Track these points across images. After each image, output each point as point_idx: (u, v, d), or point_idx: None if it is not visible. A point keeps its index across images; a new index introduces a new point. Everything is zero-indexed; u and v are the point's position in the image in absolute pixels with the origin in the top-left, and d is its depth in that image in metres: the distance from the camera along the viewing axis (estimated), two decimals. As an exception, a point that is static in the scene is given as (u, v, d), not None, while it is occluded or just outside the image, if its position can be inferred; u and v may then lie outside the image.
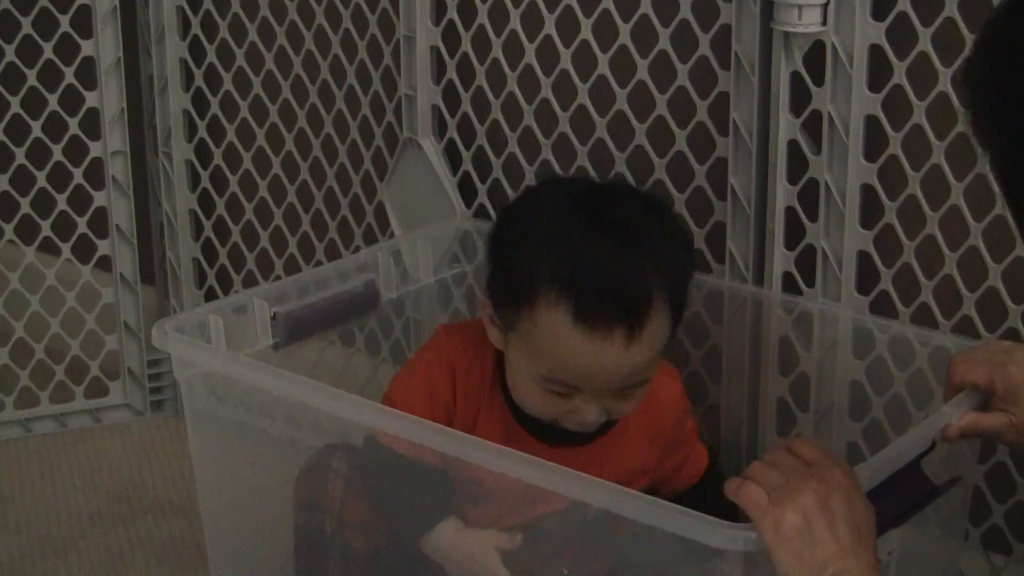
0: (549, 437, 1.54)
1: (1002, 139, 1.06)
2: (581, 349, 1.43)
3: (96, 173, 2.30)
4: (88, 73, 2.26)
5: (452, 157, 2.01)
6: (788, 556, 1.23)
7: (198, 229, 2.35)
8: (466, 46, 1.95)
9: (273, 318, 1.71)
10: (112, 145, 2.28)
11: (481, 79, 1.95)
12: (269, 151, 2.22)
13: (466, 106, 1.97)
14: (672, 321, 1.47)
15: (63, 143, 2.30)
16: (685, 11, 1.75)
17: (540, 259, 1.45)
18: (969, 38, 1.55)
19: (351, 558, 1.59)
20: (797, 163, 1.71)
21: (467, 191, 2.01)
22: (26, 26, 2.25)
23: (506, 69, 1.92)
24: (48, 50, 2.26)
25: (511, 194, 1.96)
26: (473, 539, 1.51)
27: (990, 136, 1.07)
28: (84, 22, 2.25)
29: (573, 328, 1.43)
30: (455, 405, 1.57)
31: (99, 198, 2.31)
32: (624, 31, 1.80)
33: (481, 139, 1.98)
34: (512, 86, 1.92)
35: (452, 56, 1.97)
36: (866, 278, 1.70)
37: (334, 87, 2.11)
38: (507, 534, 1.49)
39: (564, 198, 1.52)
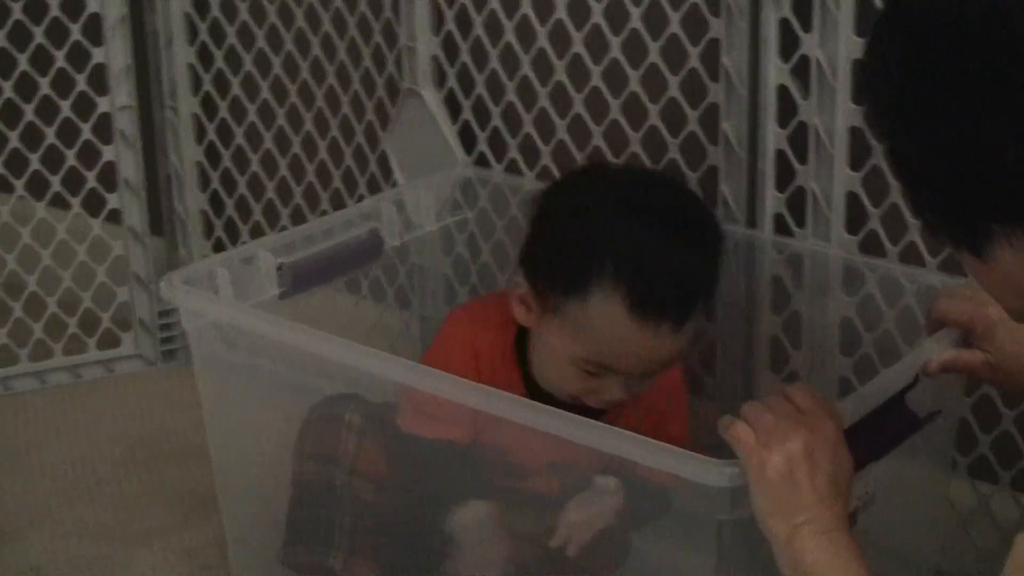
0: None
1: (895, 130, 1.09)
2: (630, 337, 1.50)
3: (104, 128, 2.33)
4: (94, 29, 2.29)
5: (452, 106, 2.05)
6: (766, 497, 1.27)
7: (205, 181, 2.39)
8: (464, -4, 1.99)
9: (279, 269, 1.76)
10: (119, 100, 2.31)
11: (479, 30, 1.98)
12: (274, 103, 2.25)
13: (465, 56, 2.01)
14: (706, 313, 1.55)
15: (71, 99, 2.33)
16: (676, -40, 1.79)
17: (599, 249, 1.50)
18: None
19: (360, 511, 1.63)
20: (787, 107, 1.74)
21: (467, 139, 2.04)
22: (32, -16, 2.29)
23: (503, 20, 1.95)
24: (55, 7, 2.29)
25: (510, 142, 2.00)
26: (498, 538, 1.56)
27: (884, 128, 1.10)
28: (89, -20, 2.28)
29: (626, 318, 1.49)
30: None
31: (107, 152, 2.34)
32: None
33: (480, 88, 2.01)
34: (510, 36, 1.95)
35: (451, 7, 2.00)
36: (855, 218, 1.74)
37: (336, 39, 2.15)
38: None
39: (617, 188, 1.57)
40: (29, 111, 2.33)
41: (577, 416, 1.40)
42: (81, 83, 2.32)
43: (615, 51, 1.86)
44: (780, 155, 1.76)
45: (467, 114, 2.03)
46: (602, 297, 1.50)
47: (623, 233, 1.51)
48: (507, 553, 1.55)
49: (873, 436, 1.43)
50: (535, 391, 1.61)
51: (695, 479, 1.30)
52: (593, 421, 1.39)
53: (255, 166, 2.31)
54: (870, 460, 1.43)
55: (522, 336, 1.63)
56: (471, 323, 1.65)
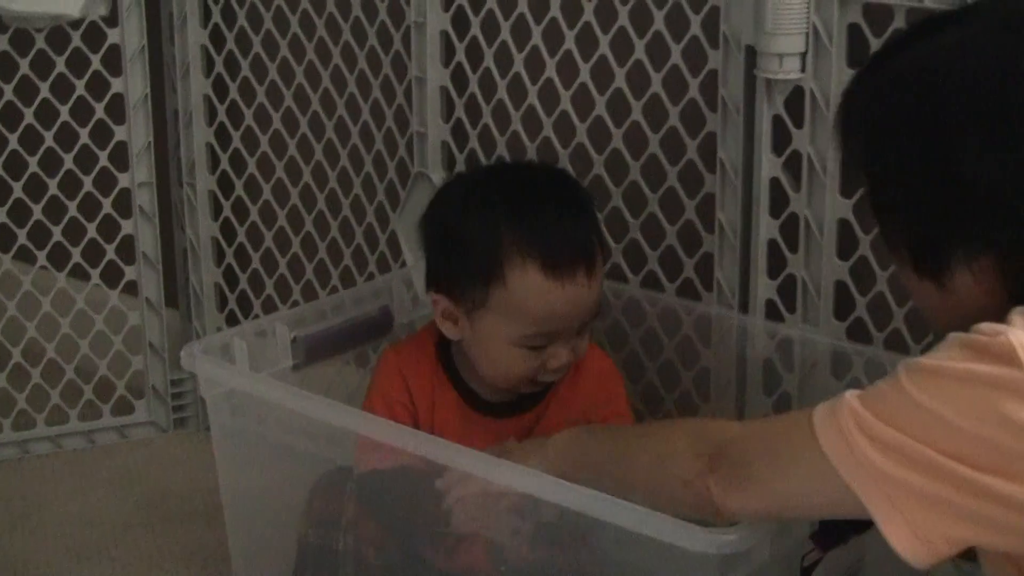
0: (497, 413, 1.77)
1: (870, 170, 1.29)
2: (555, 297, 1.66)
3: (124, 203, 2.42)
4: (117, 108, 2.38)
5: (460, 189, 2.14)
6: None
7: (220, 255, 2.47)
8: (473, 87, 2.07)
9: (293, 341, 1.84)
10: (139, 176, 2.40)
11: (487, 117, 2.07)
12: (288, 183, 2.34)
13: (473, 143, 2.10)
14: (604, 259, 1.73)
15: (93, 174, 2.41)
16: (675, 57, 1.88)
17: (499, 235, 1.67)
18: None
19: (361, 572, 1.71)
20: (779, 199, 1.83)
21: (474, 222, 2.13)
22: (59, 64, 2.37)
23: (510, 109, 2.04)
24: (80, 87, 2.38)
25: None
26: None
27: (861, 169, 1.30)
28: (114, 60, 2.37)
29: (545, 282, 1.66)
30: (412, 404, 1.77)
31: (127, 226, 2.42)
32: (619, 75, 1.93)
33: (487, 173, 2.10)
34: (516, 125, 2.04)
35: (461, 96, 2.09)
36: (843, 305, 1.82)
37: (349, 123, 2.24)
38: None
39: (490, 182, 1.76)
40: (53, 185, 2.41)
41: (549, 478, 1.48)
42: (103, 159, 2.41)
43: (617, 141, 1.95)
44: (772, 244, 1.85)
45: (475, 197, 2.12)
46: (519, 274, 1.66)
47: (514, 215, 1.68)
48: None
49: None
50: (470, 399, 1.78)
51: (685, 546, 1.37)
52: (563, 483, 1.47)
53: (268, 242, 2.40)
54: (852, 533, 1.51)
55: (446, 355, 1.79)
56: (396, 352, 1.81)
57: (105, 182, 2.42)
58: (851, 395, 1.23)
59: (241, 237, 2.43)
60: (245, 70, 2.35)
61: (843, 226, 1.79)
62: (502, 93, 2.05)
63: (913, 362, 1.21)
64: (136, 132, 2.39)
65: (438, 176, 2.11)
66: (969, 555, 1.76)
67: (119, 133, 2.39)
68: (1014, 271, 1.22)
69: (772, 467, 1.29)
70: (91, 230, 2.44)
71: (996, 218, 1.21)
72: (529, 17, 1.99)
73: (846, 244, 1.79)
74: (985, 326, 1.18)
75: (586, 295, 1.68)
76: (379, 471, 1.68)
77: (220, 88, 2.39)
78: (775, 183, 1.82)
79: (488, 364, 1.73)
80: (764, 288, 1.86)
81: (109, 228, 2.44)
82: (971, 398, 1.16)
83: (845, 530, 1.51)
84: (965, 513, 1.17)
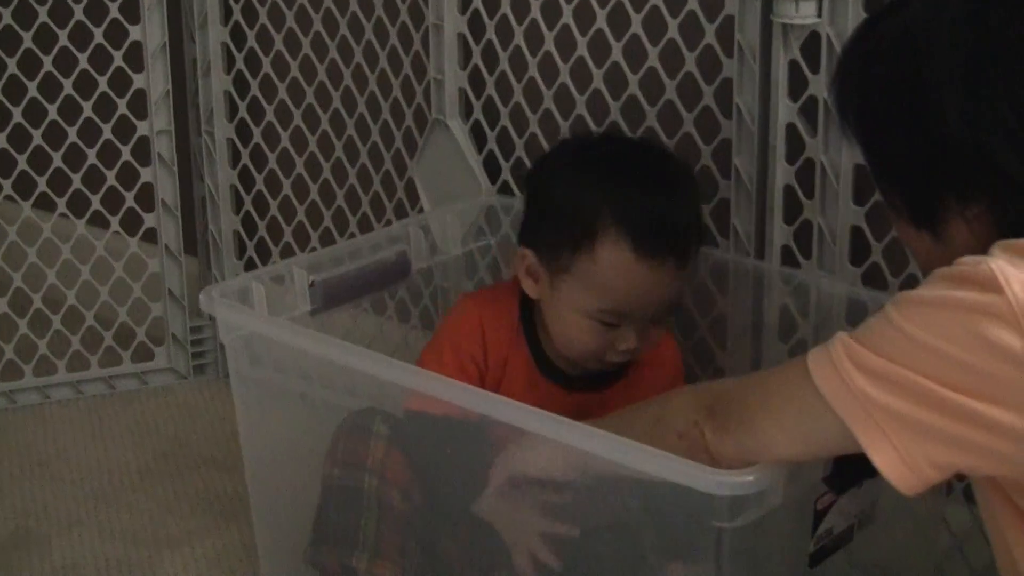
0: (566, 383, 1.74)
1: (866, 127, 1.35)
2: (639, 279, 1.64)
3: (143, 151, 2.43)
4: (136, 57, 2.39)
5: (477, 137, 2.14)
6: None
7: (238, 203, 2.48)
8: (490, 34, 2.07)
9: (311, 285, 1.84)
10: (158, 124, 2.41)
11: (505, 64, 2.07)
12: (306, 130, 2.35)
13: (491, 89, 2.10)
14: (697, 251, 1.70)
15: (112, 122, 2.43)
16: (692, 3, 1.88)
17: (599, 206, 1.65)
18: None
19: (386, 516, 1.71)
20: (795, 145, 1.83)
21: (492, 169, 2.13)
22: (78, 13, 2.38)
23: (528, 56, 2.04)
24: (98, 35, 2.39)
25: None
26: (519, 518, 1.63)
27: (857, 128, 1.36)
28: (132, 9, 2.38)
29: (634, 260, 1.63)
30: (484, 358, 1.74)
31: (146, 174, 2.44)
32: (636, 21, 1.92)
33: (505, 120, 2.10)
34: (533, 71, 2.04)
35: (477, 43, 2.09)
36: (859, 251, 1.82)
37: (367, 71, 2.24)
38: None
39: (601, 152, 1.73)
40: (72, 133, 2.42)
41: (575, 423, 1.48)
42: (122, 107, 2.42)
43: (633, 87, 1.95)
44: (788, 189, 1.85)
45: (491, 144, 2.12)
46: (610, 247, 1.64)
47: (617, 188, 1.66)
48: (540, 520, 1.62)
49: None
50: (543, 364, 1.75)
51: (695, 487, 1.38)
52: (591, 428, 1.47)
53: (287, 190, 2.40)
54: (865, 476, 1.51)
55: (527, 315, 1.76)
56: (477, 304, 1.78)
57: (124, 130, 2.43)
58: (843, 333, 1.27)
59: (259, 185, 2.44)
60: (263, 18, 2.35)
61: (859, 171, 1.78)
62: (519, 40, 2.04)
63: (900, 295, 1.25)
64: (155, 80, 2.40)
65: (455, 123, 2.12)
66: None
67: (138, 81, 2.40)
68: (1006, 217, 1.27)
69: (766, 409, 1.33)
70: (110, 178, 2.45)
71: (982, 166, 1.27)
72: (546, -37, 1.99)
73: (862, 189, 1.79)
74: (967, 258, 1.22)
75: (670, 282, 1.66)
76: (428, 414, 1.67)
77: (238, 36, 2.39)
78: (791, 129, 1.82)
79: (559, 329, 1.71)
80: (780, 234, 1.86)
81: (128, 176, 2.45)
82: (954, 324, 1.20)
83: (859, 473, 1.51)
84: (950, 437, 1.21)
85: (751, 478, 1.38)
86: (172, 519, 2.12)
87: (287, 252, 2.43)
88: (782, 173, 1.84)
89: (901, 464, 1.23)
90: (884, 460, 1.24)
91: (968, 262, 1.22)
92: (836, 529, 1.55)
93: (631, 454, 1.43)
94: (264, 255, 2.48)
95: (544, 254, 1.70)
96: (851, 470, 1.50)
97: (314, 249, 2.37)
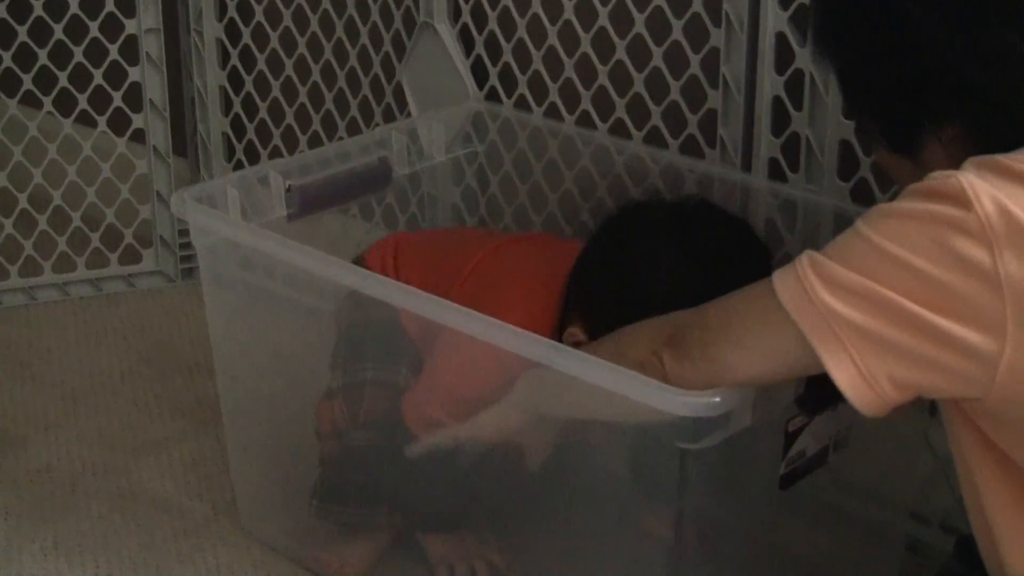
0: None
1: (839, 51, 1.33)
2: None
3: (131, 49, 2.39)
4: (124, -47, 2.35)
5: (466, 41, 2.09)
6: None
7: (227, 105, 2.44)
8: (478, -66, 2.03)
9: (288, 190, 1.81)
10: (146, 23, 2.37)
11: (494, -34, 2.03)
12: (295, 31, 2.30)
13: (479, -8, 2.06)
14: None
15: (100, 20, 2.39)
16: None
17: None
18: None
19: (370, 455, 1.71)
20: (784, 54, 1.78)
21: (479, 74, 2.09)
22: (65, -94, 2.34)
23: (516, -42, 2.00)
24: (85, -71, 2.35)
25: (520, 78, 2.04)
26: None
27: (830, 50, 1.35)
28: (119, -98, 2.33)
29: None
30: None
31: (134, 73, 2.40)
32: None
33: (493, 24, 2.06)
34: (522, -26, 2.00)
35: (467, -56, 2.05)
36: (847, 165, 1.78)
37: (356, -29, 2.20)
38: None
39: (675, 237, 1.58)
40: (58, 30, 2.38)
41: (556, 344, 1.46)
42: (109, 4, 2.38)
43: (620, 53, 1.91)
44: (776, 101, 1.80)
45: (479, 49, 2.08)
46: None
47: (697, 286, 1.48)
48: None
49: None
50: None
51: (659, 407, 1.35)
52: (569, 349, 1.45)
53: (276, 92, 2.37)
54: (839, 397, 1.48)
55: None
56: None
57: (112, 28, 2.39)
58: (810, 250, 1.25)
59: (248, 87, 2.40)
60: (253, -85, 2.30)
61: (849, 84, 1.74)
62: (508, -58, 2.00)
63: (871, 209, 1.24)
64: (143, -23, 2.36)
65: (443, 26, 2.07)
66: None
67: (126, -23, 2.36)
68: (981, 139, 1.25)
69: (727, 330, 1.30)
70: (97, 76, 2.41)
71: (956, 88, 1.26)
72: None
73: (852, 103, 1.74)
74: (937, 172, 1.20)
75: None
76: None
77: (228, -67, 2.35)
78: (780, 37, 1.77)
79: None
80: (768, 146, 1.82)
81: (116, 75, 2.41)
82: (922, 236, 1.18)
83: (832, 394, 1.48)
84: (913, 354, 1.19)
85: (717, 399, 1.35)
86: (151, 424, 2.10)
87: (276, 155, 2.40)
88: (771, 83, 1.79)
89: (861, 381, 1.21)
90: (843, 375, 1.22)
91: (938, 176, 1.20)
92: (809, 451, 1.52)
93: (595, 371, 1.40)
94: (253, 158, 2.44)
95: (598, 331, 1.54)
96: (824, 392, 1.46)
97: (303, 152, 2.33)
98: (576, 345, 1.57)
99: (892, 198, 1.71)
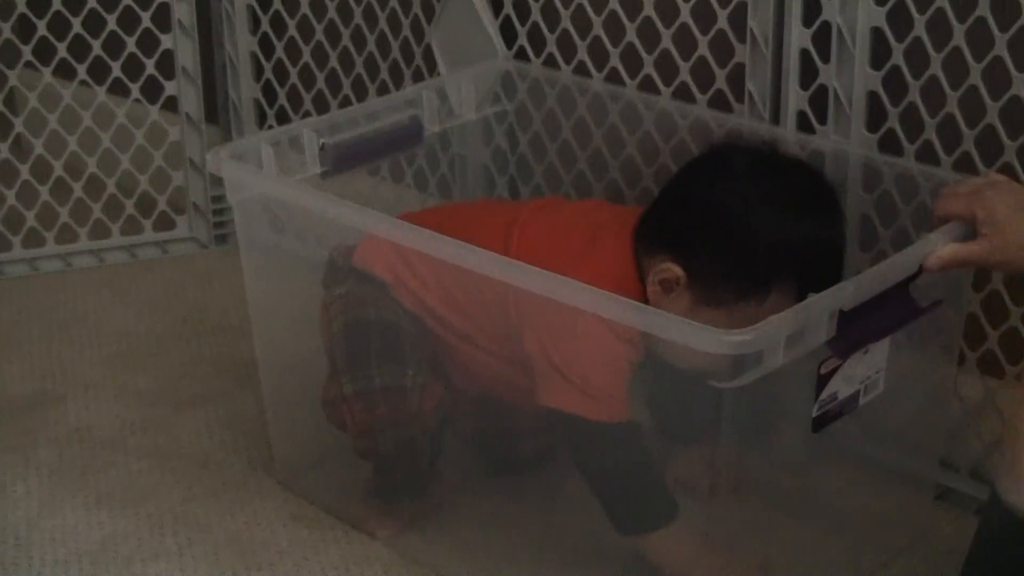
0: None
1: None
2: None
3: (163, 17, 2.41)
4: (155, -79, 2.37)
5: (494, 1, 2.11)
6: None
7: (259, 71, 2.47)
8: None
9: (321, 148, 1.83)
10: (177, -10, 2.40)
11: (522, -73, 2.05)
12: (325, -4, 2.33)
13: (508, -47, 2.08)
14: None
15: (132, -12, 2.41)
16: None
17: (778, 253, 1.55)
18: None
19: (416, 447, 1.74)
20: (811, 7, 1.79)
21: (508, 34, 2.11)
22: None
23: (545, -83, 2.02)
24: (118, -101, 2.37)
25: (549, 37, 2.05)
26: None
27: None
28: None
29: (796, 300, 1.49)
30: None
31: (166, 41, 2.42)
32: None
33: (521, -16, 2.08)
34: (549, -65, 2.02)
35: (495, -95, 2.07)
36: (875, 116, 1.79)
37: (386, -65, 2.22)
38: None
39: (767, 180, 1.60)
40: (91, -1, 2.41)
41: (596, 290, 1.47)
42: (141, -28, 2.40)
43: (648, 9, 1.93)
44: (804, 53, 1.81)
45: (508, 8, 2.09)
46: (779, 296, 1.54)
47: (794, 233, 1.56)
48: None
49: (873, 319, 1.49)
50: None
51: (695, 346, 1.37)
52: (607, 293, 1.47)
53: (307, 57, 2.38)
54: (870, 340, 1.50)
55: None
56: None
57: (144, -5, 2.42)
58: None
59: (279, 52, 2.42)
60: None
61: (876, 34, 1.75)
62: (536, -99, 2.02)
63: None
64: (174, -56, 2.38)
65: (473, -12, 2.10)
66: (997, 372, 1.74)
67: (157, -55, 2.39)
68: None
69: None
70: (130, 44, 2.43)
71: None
72: None
73: (879, 53, 1.76)
74: None
75: None
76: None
77: (258, -100, 2.37)
78: (807, -10, 1.79)
79: None
80: (796, 99, 1.83)
81: (148, 43, 2.43)
82: None
83: (863, 336, 1.50)
84: None
85: (749, 337, 1.37)
86: (188, 383, 2.13)
87: (307, 119, 2.40)
88: (798, 36, 1.81)
89: None
90: None
91: None
92: (841, 395, 1.54)
93: (631, 311, 1.43)
94: (284, 123, 2.45)
95: (700, 278, 1.58)
96: (855, 334, 1.49)
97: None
98: (673, 280, 1.58)
99: (921, 148, 1.75)
